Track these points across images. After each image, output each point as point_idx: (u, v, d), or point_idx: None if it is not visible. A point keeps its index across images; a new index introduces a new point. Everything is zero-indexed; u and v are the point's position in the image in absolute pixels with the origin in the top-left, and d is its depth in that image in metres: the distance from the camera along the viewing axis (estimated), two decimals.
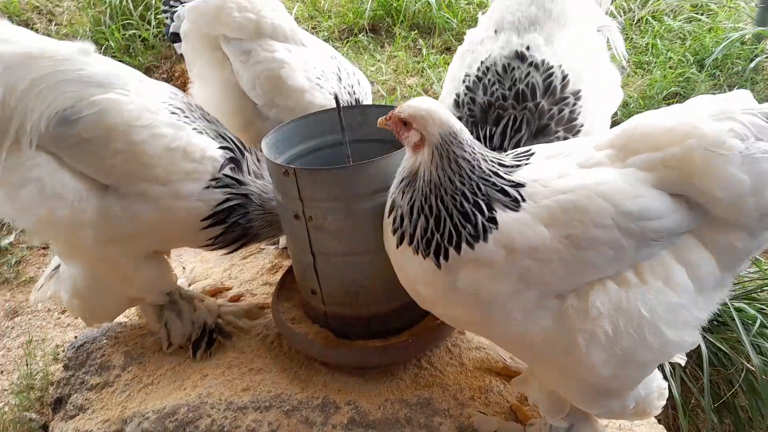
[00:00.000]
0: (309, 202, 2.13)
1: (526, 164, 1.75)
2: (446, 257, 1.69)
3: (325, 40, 5.44)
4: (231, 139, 2.48)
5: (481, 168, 1.71)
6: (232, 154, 2.44)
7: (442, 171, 1.71)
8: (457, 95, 2.40)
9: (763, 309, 2.76)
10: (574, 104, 2.27)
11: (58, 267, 2.67)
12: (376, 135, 2.53)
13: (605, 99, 2.41)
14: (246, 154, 2.52)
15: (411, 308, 2.37)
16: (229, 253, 2.64)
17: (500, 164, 1.75)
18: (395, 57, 5.37)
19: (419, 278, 1.80)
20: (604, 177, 1.60)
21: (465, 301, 1.72)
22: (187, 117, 2.37)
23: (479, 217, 1.66)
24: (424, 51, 5.36)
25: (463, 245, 1.66)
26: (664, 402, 1.88)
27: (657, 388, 1.84)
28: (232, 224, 2.47)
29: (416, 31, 5.59)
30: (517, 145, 2.19)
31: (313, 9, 6.00)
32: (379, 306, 2.32)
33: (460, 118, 2.14)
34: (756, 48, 4.63)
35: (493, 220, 1.65)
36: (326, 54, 3.06)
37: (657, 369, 1.85)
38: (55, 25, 6.09)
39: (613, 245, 1.57)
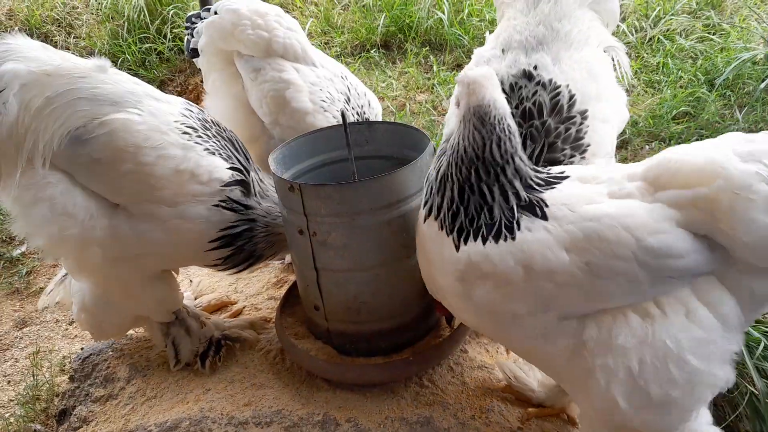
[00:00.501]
0: (313, 218, 2.14)
1: (553, 188, 1.76)
2: (466, 239, 1.72)
3: (337, 56, 5.50)
4: (241, 161, 2.47)
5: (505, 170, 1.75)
6: (242, 176, 2.42)
7: (466, 141, 1.76)
8: None
9: None
10: (581, 123, 2.28)
11: (68, 273, 2.67)
12: (383, 152, 2.55)
13: (612, 119, 2.41)
14: (252, 173, 2.51)
15: (413, 325, 2.38)
16: (237, 272, 2.65)
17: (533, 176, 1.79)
18: (406, 73, 5.39)
19: (437, 261, 1.83)
20: (630, 209, 1.61)
21: (478, 313, 1.76)
22: (200, 136, 2.35)
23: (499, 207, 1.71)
24: (434, 67, 5.37)
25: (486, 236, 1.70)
26: None
27: None
28: (239, 247, 2.48)
29: (428, 48, 5.61)
30: None
31: (326, 24, 6.04)
32: (382, 322, 2.32)
33: None
34: (767, 68, 4.60)
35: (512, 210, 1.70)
36: (337, 74, 3.07)
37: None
38: (74, 38, 6.18)
39: (629, 278, 1.58)
